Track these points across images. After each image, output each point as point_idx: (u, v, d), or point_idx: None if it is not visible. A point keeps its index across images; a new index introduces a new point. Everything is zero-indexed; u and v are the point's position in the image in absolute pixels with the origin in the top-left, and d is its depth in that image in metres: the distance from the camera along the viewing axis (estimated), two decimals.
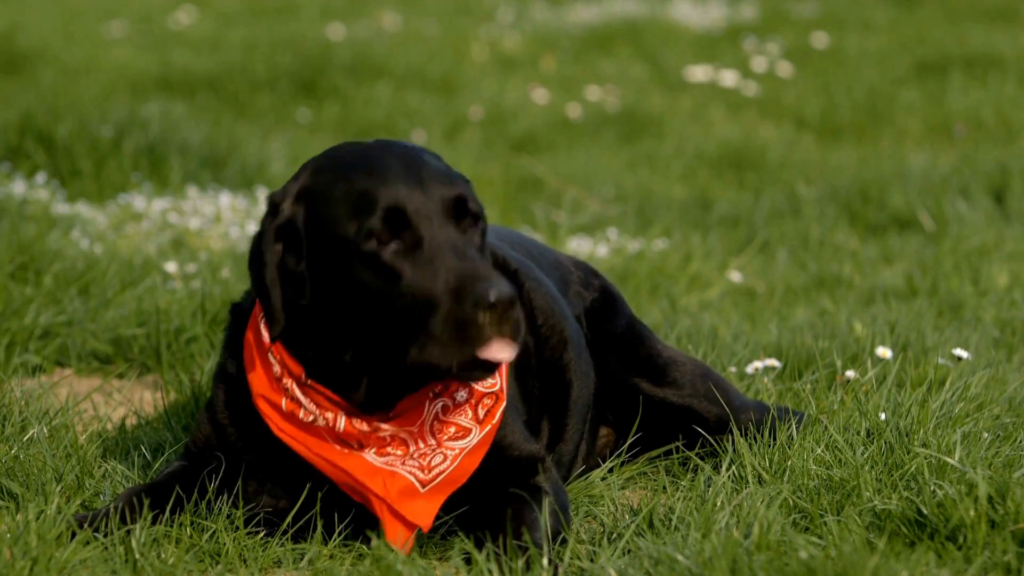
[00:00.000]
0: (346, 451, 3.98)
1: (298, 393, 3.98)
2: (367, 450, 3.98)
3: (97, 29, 15.86)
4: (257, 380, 4.04)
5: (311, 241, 3.95)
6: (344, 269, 3.90)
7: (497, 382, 4.08)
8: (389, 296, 3.84)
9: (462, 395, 4.05)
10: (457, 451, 4.01)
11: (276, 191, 4.04)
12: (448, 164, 4.05)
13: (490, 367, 3.81)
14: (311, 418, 3.97)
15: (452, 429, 4.03)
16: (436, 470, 3.99)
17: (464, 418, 4.04)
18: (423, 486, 3.97)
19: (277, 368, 4.01)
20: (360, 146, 4.03)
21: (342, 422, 3.96)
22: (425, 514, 3.97)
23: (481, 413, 4.06)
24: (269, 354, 4.02)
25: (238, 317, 4.22)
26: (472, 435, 4.03)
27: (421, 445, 4.00)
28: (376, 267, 3.86)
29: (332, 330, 3.94)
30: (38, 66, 13.50)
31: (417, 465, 3.98)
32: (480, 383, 4.05)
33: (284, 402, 4.00)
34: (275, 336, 3.97)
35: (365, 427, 3.96)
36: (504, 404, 4.09)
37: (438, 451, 4.00)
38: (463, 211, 3.92)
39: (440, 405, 4.02)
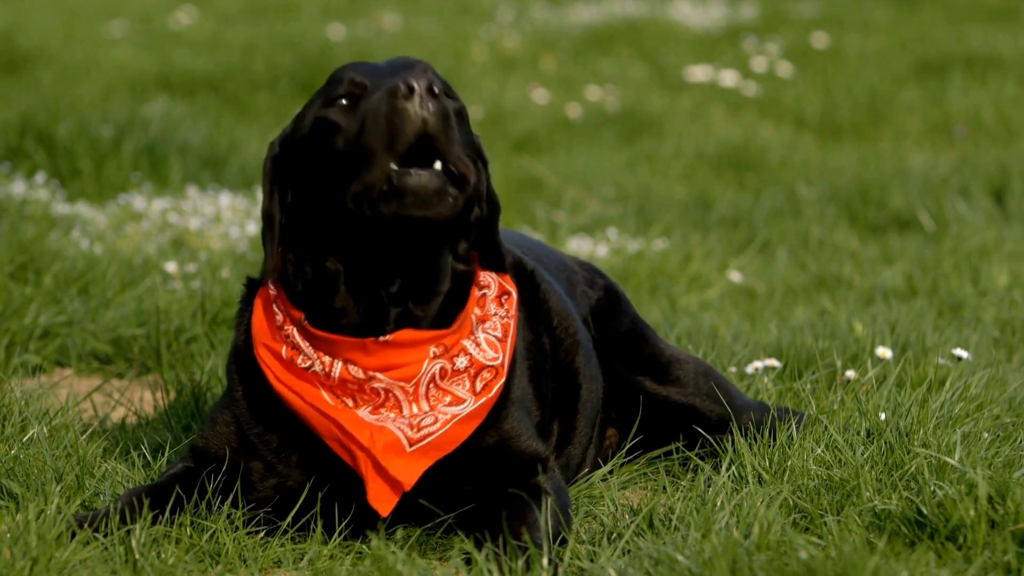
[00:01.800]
0: (339, 405, 3.99)
1: (298, 338, 4.01)
2: (361, 408, 3.99)
3: (97, 29, 15.85)
4: (259, 329, 4.08)
5: (294, 144, 4.03)
6: (310, 152, 3.96)
7: (499, 356, 4.09)
8: (336, 153, 3.87)
9: (462, 362, 4.05)
10: (449, 416, 4.01)
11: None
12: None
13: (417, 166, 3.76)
14: (308, 364, 4.00)
15: (448, 398, 4.04)
16: (425, 431, 3.99)
17: (461, 389, 4.05)
18: (410, 444, 3.98)
19: (280, 317, 4.05)
20: None
21: (338, 368, 3.98)
22: (408, 473, 3.97)
23: (479, 386, 4.06)
24: (274, 305, 4.07)
25: (250, 288, 4.26)
26: (466, 404, 4.04)
27: (415, 409, 4.01)
28: (325, 128, 3.92)
29: (313, 233, 3.96)
30: (38, 66, 13.49)
31: (407, 423, 3.99)
32: (480, 353, 4.06)
33: (284, 350, 4.03)
34: (267, 274, 4.03)
35: (360, 374, 3.97)
36: (503, 379, 4.09)
37: (430, 414, 4.01)
38: (422, 74, 3.91)
39: (438, 367, 4.02)
